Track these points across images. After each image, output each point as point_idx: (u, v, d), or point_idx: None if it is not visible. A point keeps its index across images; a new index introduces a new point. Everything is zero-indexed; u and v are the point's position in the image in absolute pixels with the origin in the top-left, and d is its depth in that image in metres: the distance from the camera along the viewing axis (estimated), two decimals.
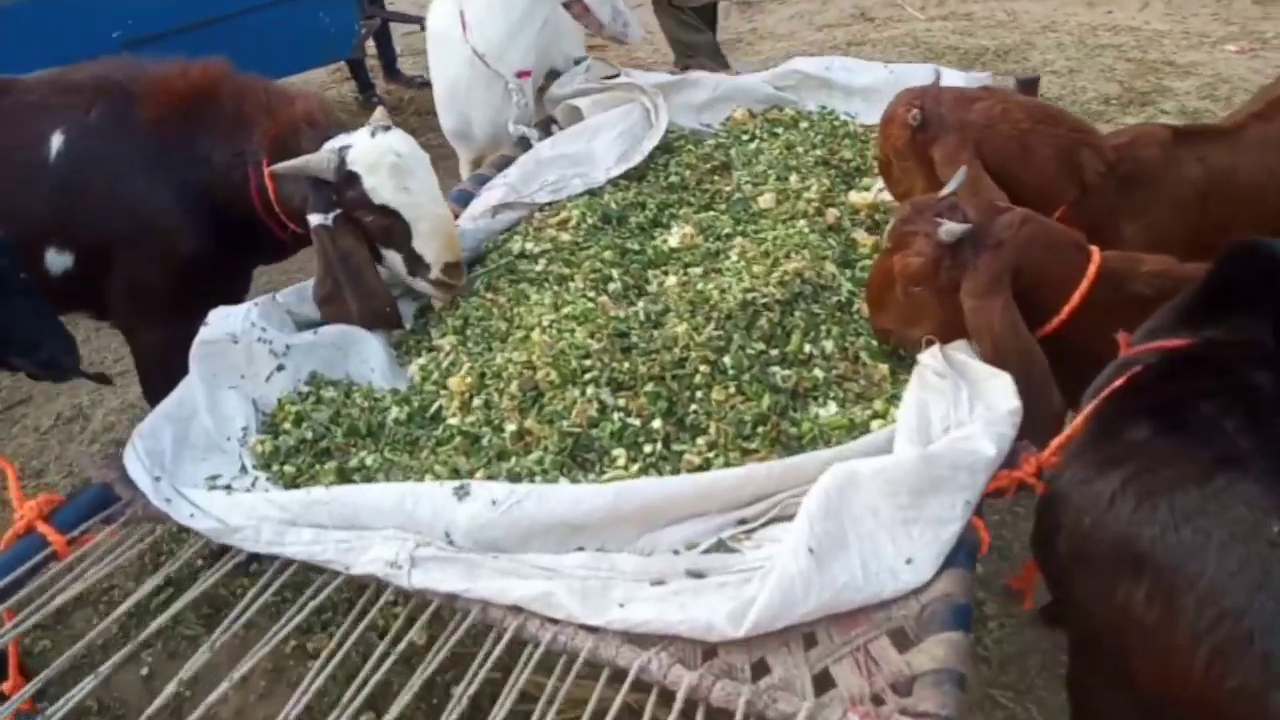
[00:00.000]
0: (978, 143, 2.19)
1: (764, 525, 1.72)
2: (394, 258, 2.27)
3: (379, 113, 2.34)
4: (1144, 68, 5.58)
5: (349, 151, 2.17)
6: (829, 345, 2.05)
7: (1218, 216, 2.34)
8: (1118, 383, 1.53)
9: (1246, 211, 2.36)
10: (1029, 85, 3.04)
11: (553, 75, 3.28)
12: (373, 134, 2.20)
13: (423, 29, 3.72)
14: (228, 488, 1.94)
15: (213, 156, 2.34)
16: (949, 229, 1.80)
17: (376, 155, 2.16)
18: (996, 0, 6.47)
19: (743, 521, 1.73)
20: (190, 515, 1.82)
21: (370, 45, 5.55)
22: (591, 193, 2.69)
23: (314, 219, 2.22)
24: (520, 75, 3.06)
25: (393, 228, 2.21)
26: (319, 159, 2.19)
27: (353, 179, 2.17)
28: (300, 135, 2.28)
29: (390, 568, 1.66)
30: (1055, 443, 1.62)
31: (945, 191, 1.93)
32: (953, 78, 3.01)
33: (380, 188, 2.16)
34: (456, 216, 2.69)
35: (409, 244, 2.22)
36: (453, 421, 2.02)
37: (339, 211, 2.21)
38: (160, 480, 1.89)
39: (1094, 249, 1.85)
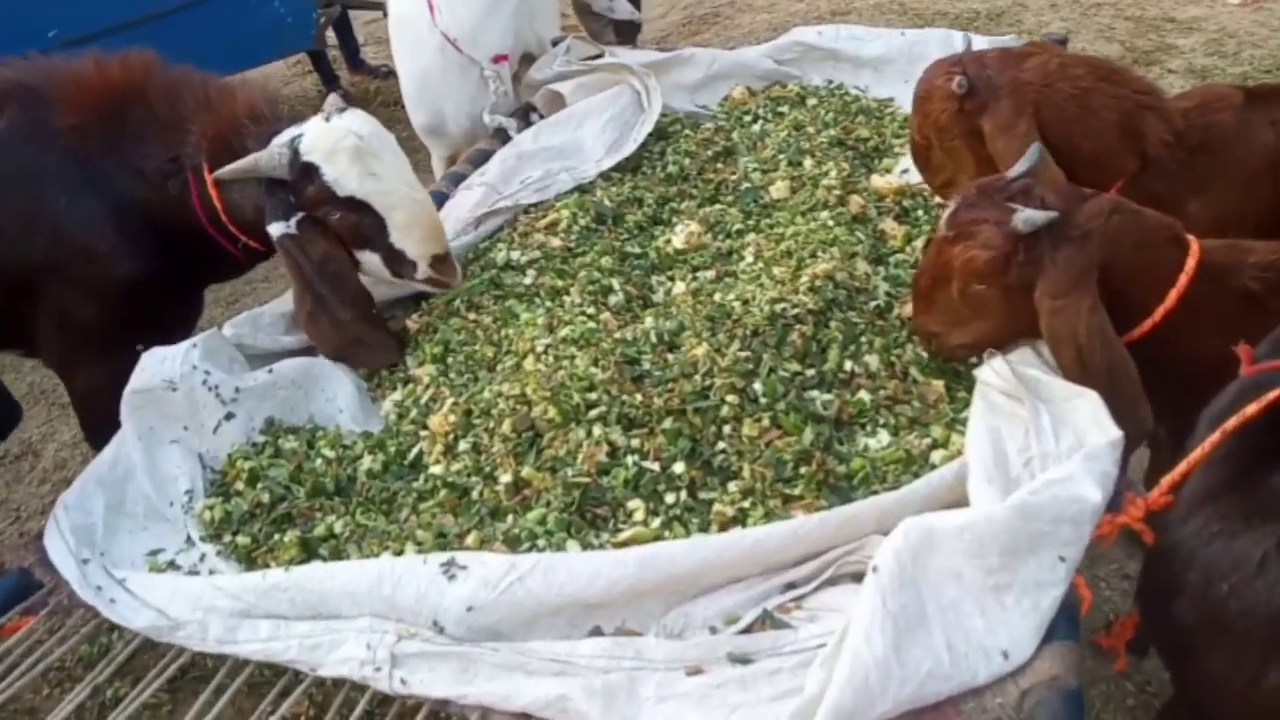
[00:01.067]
0: (1035, 106, 1.89)
1: (817, 590, 1.44)
2: (372, 259, 1.97)
3: (332, 98, 2.02)
4: (1144, 26, 5.36)
5: (302, 141, 1.87)
6: (873, 361, 1.76)
7: None
8: (1251, 409, 1.25)
9: None
10: (1058, 45, 2.74)
11: (528, 59, 2.95)
12: (327, 118, 1.90)
13: (385, 15, 3.40)
14: (172, 564, 1.64)
15: (145, 166, 2.02)
16: (1027, 217, 1.50)
17: (333, 140, 1.86)
18: None
19: (791, 586, 1.45)
20: (124, 608, 1.51)
21: (331, 35, 5.23)
22: (582, 189, 2.38)
23: (275, 229, 1.90)
24: (496, 60, 2.75)
25: (364, 223, 1.92)
26: (269, 156, 1.87)
27: (310, 172, 1.86)
28: (244, 132, 1.95)
29: (366, 668, 1.37)
30: (1168, 480, 1.33)
31: (1015, 171, 1.63)
32: (978, 44, 2.71)
33: (343, 177, 1.86)
34: None
35: (386, 239, 1.92)
36: (435, 470, 1.72)
37: (302, 215, 1.91)
38: (89, 563, 1.59)
39: (1192, 240, 1.57)
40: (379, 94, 5.30)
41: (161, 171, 2.00)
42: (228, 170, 1.91)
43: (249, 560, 1.62)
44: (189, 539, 1.68)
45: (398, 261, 1.96)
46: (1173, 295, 1.53)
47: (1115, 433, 1.38)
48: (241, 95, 2.02)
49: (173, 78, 2.05)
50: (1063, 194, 1.57)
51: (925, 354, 1.79)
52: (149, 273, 2.07)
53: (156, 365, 1.78)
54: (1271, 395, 1.25)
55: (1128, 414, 1.49)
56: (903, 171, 2.34)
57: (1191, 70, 4.77)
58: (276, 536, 1.63)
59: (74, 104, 2.00)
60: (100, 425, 2.10)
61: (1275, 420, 1.25)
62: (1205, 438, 1.32)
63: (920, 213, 2.23)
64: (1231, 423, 1.27)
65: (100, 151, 2.01)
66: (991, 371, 1.61)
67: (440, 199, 2.47)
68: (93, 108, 2.00)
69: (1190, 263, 1.53)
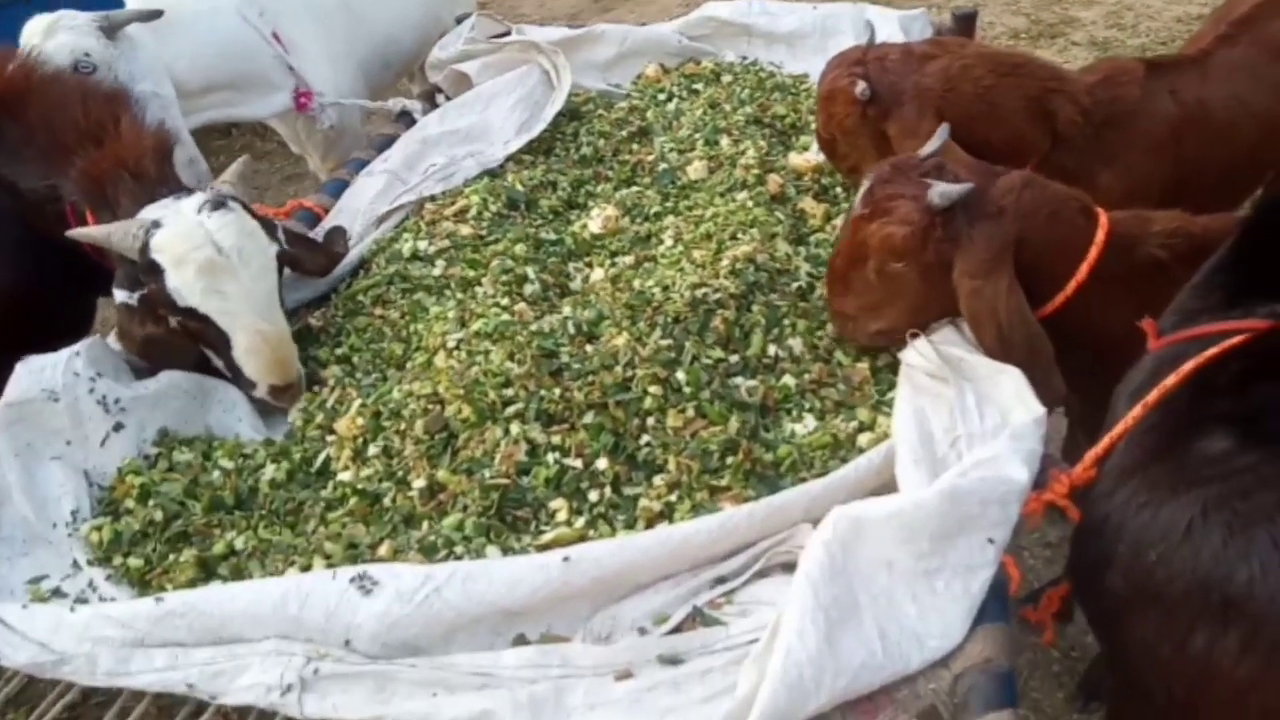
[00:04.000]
0: (938, 110, 1.88)
1: (747, 583, 1.40)
2: (214, 359, 1.82)
3: (233, 168, 1.86)
4: None
5: (155, 235, 1.69)
6: (796, 344, 1.72)
7: (1193, 154, 2.13)
8: (1170, 381, 1.25)
9: (1221, 147, 2.16)
10: (966, 21, 2.75)
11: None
12: (199, 209, 1.72)
13: None
14: (57, 591, 1.51)
15: (20, 183, 1.85)
16: (943, 190, 1.48)
17: (185, 247, 1.68)
18: None
19: (720, 580, 1.41)
20: (1, 644, 1.38)
21: None
22: (491, 174, 2.29)
23: (118, 294, 1.76)
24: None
25: (205, 331, 1.76)
26: (121, 234, 1.70)
27: (155, 270, 1.70)
28: (120, 186, 1.78)
29: (274, 694, 1.28)
30: (1091, 455, 1.33)
31: (926, 150, 1.61)
32: (888, 19, 2.70)
33: (185, 289, 1.69)
34: (323, 215, 2.25)
35: (227, 351, 1.76)
36: (344, 477, 1.63)
37: (144, 293, 1.75)
38: None
39: (1100, 211, 1.56)
40: None
41: (38, 193, 1.85)
42: (80, 233, 1.75)
43: (142, 584, 1.50)
44: (75, 563, 1.54)
45: (237, 375, 1.79)
46: (1083, 268, 1.53)
47: (1039, 409, 1.37)
48: (129, 138, 1.83)
49: (55, 92, 1.87)
50: (975, 170, 1.56)
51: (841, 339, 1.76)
52: (29, 282, 1.91)
53: (34, 375, 1.64)
54: (1188, 366, 1.25)
55: (1042, 386, 1.49)
56: (819, 149, 2.31)
57: (1094, 42, 4.90)
58: (171, 557, 1.51)
59: None
60: None
61: (1194, 390, 1.25)
62: (1125, 412, 1.32)
63: (839, 190, 2.20)
64: (1152, 396, 1.27)
65: None
66: (915, 353, 1.59)
67: (340, 187, 2.35)
68: None
69: (1099, 234, 1.53)
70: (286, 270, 1.91)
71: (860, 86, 1.95)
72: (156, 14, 2.34)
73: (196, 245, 1.68)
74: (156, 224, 1.70)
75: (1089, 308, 1.59)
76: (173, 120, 2.26)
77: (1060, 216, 1.55)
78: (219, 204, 1.74)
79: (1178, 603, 1.15)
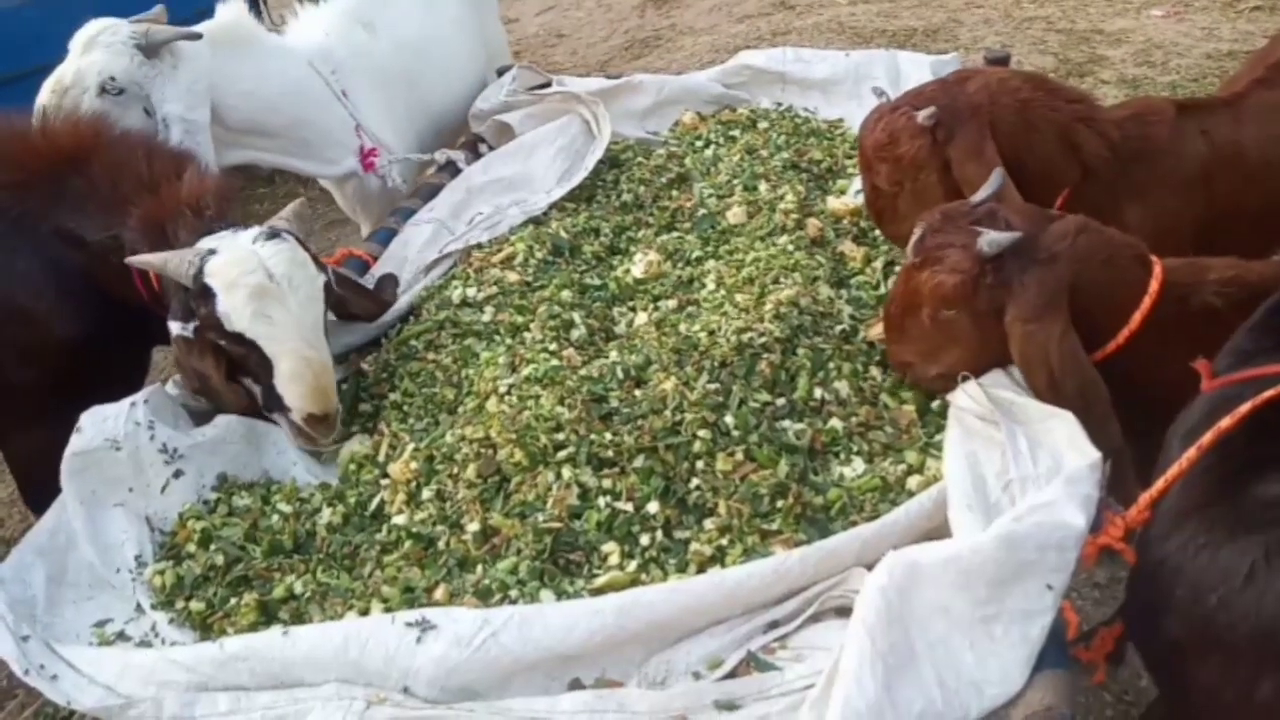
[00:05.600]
0: (991, 125, 1.88)
1: (800, 628, 1.40)
2: (254, 388, 1.85)
3: (291, 207, 1.91)
4: (1075, 38, 5.51)
5: (210, 261, 1.75)
6: (842, 387, 1.74)
7: (1225, 195, 2.12)
8: (1226, 423, 1.25)
9: (1256, 188, 2.15)
10: (1000, 63, 2.78)
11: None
12: (254, 240, 1.78)
13: None
14: (121, 634, 1.54)
15: (85, 236, 1.92)
16: (992, 239, 1.49)
17: (239, 272, 1.73)
18: None
19: (774, 624, 1.41)
20: (69, 686, 1.41)
21: None
22: (535, 221, 2.34)
23: (173, 326, 1.81)
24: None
25: (250, 358, 1.79)
26: (177, 261, 1.75)
27: (208, 295, 1.74)
28: (180, 223, 1.84)
29: None
30: (1146, 497, 1.32)
31: (978, 197, 1.63)
32: (918, 63, 2.74)
33: (235, 313, 1.74)
34: (372, 263, 2.30)
35: (269, 379, 1.79)
36: (399, 520, 1.66)
37: (197, 324, 1.79)
38: (29, 640, 1.48)
39: (1156, 260, 1.57)
40: None
41: (103, 245, 1.91)
42: (139, 260, 1.80)
43: (204, 627, 1.54)
44: (138, 607, 1.58)
45: (275, 402, 1.81)
46: (1137, 316, 1.53)
47: (1094, 454, 1.37)
48: (189, 179, 1.89)
49: (118, 150, 1.94)
50: (1028, 216, 1.57)
51: (899, 379, 1.77)
52: (90, 334, 1.97)
53: (98, 425, 1.69)
54: (1244, 408, 1.25)
55: (1098, 432, 1.49)
56: (857, 192, 2.34)
57: (1123, 80, 4.91)
58: (233, 600, 1.55)
59: (14, 163, 1.90)
60: (40, 490, 1.98)
61: (1250, 432, 1.25)
62: (1179, 454, 1.31)
63: (878, 233, 2.22)
64: (1207, 437, 1.27)
65: (37, 214, 1.91)
66: (965, 395, 1.59)
67: (389, 235, 2.41)
68: (33, 169, 1.90)
69: (1154, 283, 1.53)
70: (332, 315, 1.95)
71: (926, 112, 1.90)
72: (196, 35, 2.36)
73: (249, 270, 1.74)
74: (212, 251, 1.76)
75: (1143, 355, 1.58)
76: (196, 145, 2.27)
77: (1115, 263, 1.56)
78: (273, 235, 1.80)
79: (1242, 649, 1.14)
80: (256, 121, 2.54)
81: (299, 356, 1.76)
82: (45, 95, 2.29)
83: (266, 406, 1.84)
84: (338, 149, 2.70)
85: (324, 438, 1.83)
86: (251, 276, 1.73)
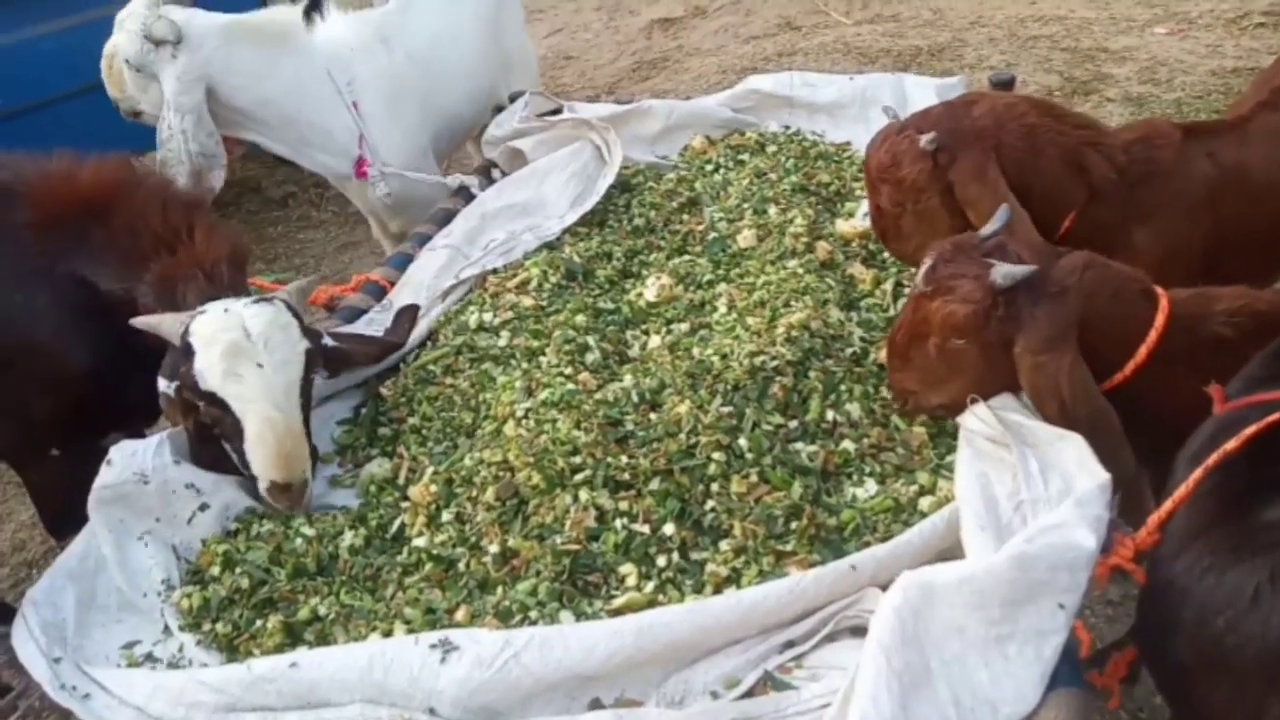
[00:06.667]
0: (996, 149, 1.92)
1: (816, 647, 1.42)
2: (231, 453, 1.82)
3: (298, 284, 1.97)
4: (1080, 56, 5.54)
5: (196, 320, 1.77)
6: (854, 409, 1.77)
7: (1232, 217, 2.14)
8: (1231, 445, 1.27)
9: (1262, 210, 2.17)
10: (1005, 86, 2.82)
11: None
12: (247, 305, 1.80)
13: None
14: (150, 655, 1.58)
15: (100, 284, 1.97)
16: (1007, 272, 1.52)
17: (217, 329, 1.74)
18: None
19: (789, 644, 1.44)
20: (101, 707, 1.44)
21: None
22: (549, 246, 2.38)
23: (161, 383, 1.83)
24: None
25: (223, 420, 1.77)
26: (170, 324, 1.78)
27: (188, 352, 1.75)
28: (190, 285, 1.87)
29: None
30: (1154, 519, 1.35)
31: (988, 230, 1.65)
32: (923, 86, 2.78)
33: (207, 370, 1.73)
34: (389, 288, 2.34)
35: (240, 444, 1.77)
36: (419, 542, 1.69)
37: (178, 384, 1.80)
38: (61, 661, 1.52)
39: (1161, 293, 1.59)
40: None
41: (115, 295, 1.95)
42: (139, 322, 1.83)
43: (230, 649, 1.57)
44: (166, 629, 1.62)
45: (246, 467, 1.79)
46: (1142, 350, 1.55)
47: (1103, 475, 1.39)
48: (201, 246, 1.92)
49: (138, 202, 1.97)
50: (1037, 250, 1.60)
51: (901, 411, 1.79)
52: (106, 369, 2.01)
53: (126, 459, 1.72)
54: (1249, 430, 1.27)
55: (1111, 460, 1.50)
56: (865, 215, 2.37)
57: (1129, 98, 4.93)
58: (259, 623, 1.58)
59: (40, 204, 1.95)
60: (60, 516, 2.03)
61: (1255, 454, 1.27)
62: (1185, 476, 1.34)
63: (886, 255, 2.25)
64: (1212, 459, 1.29)
65: (57, 255, 1.96)
66: (975, 418, 1.62)
67: (405, 261, 2.45)
68: (56, 214, 1.95)
69: (1159, 317, 1.55)
70: (325, 376, 1.96)
71: (927, 137, 1.93)
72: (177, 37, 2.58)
73: (226, 328, 1.74)
74: (201, 312, 1.78)
75: (1152, 384, 1.60)
76: (187, 125, 2.52)
77: (1121, 297, 1.58)
78: (265, 300, 1.82)
79: (1249, 671, 1.16)
80: (254, 111, 2.74)
81: (263, 418, 1.74)
82: (102, 62, 2.75)
83: (244, 471, 1.81)
84: (337, 153, 2.86)
85: (289, 510, 1.79)
86: (227, 334, 1.74)
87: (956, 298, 1.55)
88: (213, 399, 1.75)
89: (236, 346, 1.73)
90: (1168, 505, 1.35)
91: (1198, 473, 1.32)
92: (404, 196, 2.95)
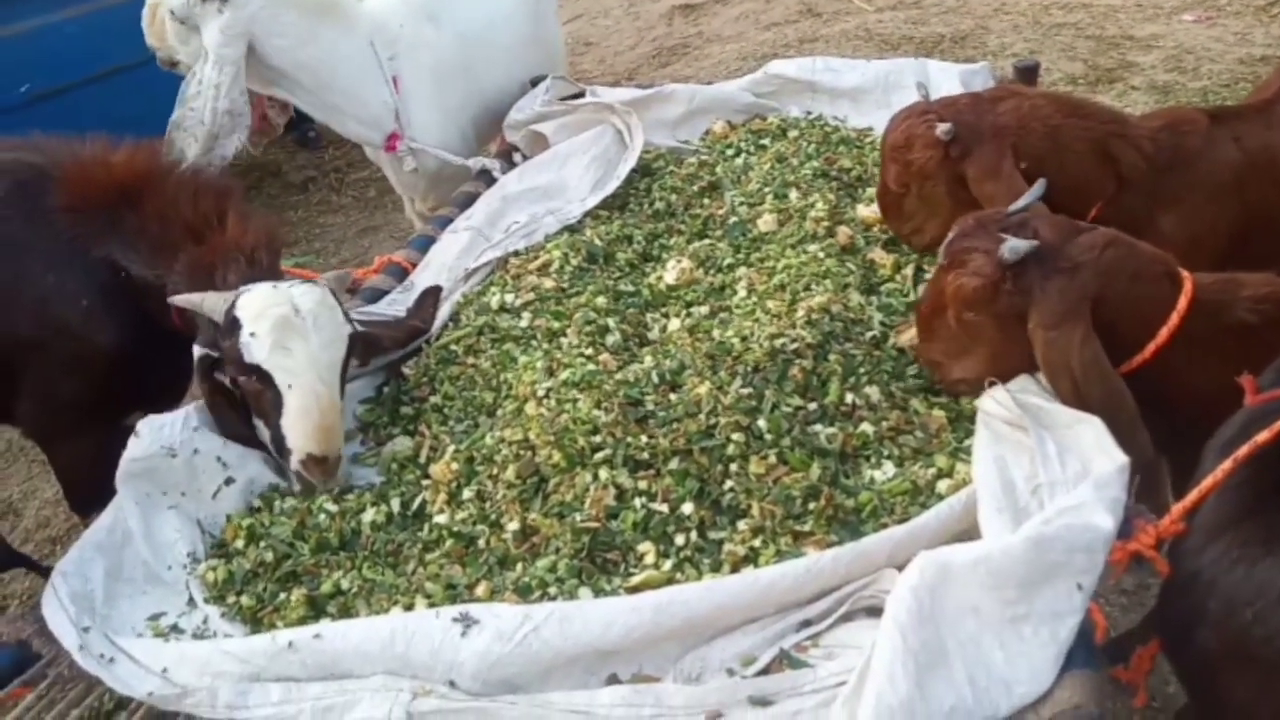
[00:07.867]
0: (1015, 148, 1.92)
1: (832, 627, 1.43)
2: (262, 430, 1.86)
3: (333, 274, 1.98)
4: (1105, 44, 5.46)
5: (242, 296, 1.80)
6: (873, 392, 1.77)
7: (1259, 201, 2.13)
8: (1263, 437, 1.27)
9: None
10: (1029, 73, 2.80)
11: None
12: (293, 285, 1.85)
13: None
14: (174, 627, 1.60)
15: (130, 270, 2.00)
16: (1012, 246, 1.53)
17: (265, 304, 1.78)
18: None
19: (806, 623, 1.45)
20: (128, 675, 1.47)
21: None
22: (571, 229, 2.39)
23: (197, 349, 1.86)
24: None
25: (263, 395, 1.80)
26: (213, 302, 1.82)
27: (234, 326, 1.78)
28: (230, 267, 1.90)
29: None
30: (1179, 508, 1.35)
31: (1018, 205, 1.66)
32: (949, 73, 2.77)
33: (255, 343, 1.76)
34: (411, 269, 2.36)
35: (277, 419, 1.79)
36: (440, 519, 1.71)
37: (217, 356, 1.84)
38: (89, 631, 1.55)
39: (1186, 275, 1.59)
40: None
41: (145, 280, 1.98)
42: (180, 299, 1.86)
43: (254, 621, 1.59)
44: (190, 600, 1.64)
45: (279, 444, 1.82)
46: (1164, 332, 1.55)
47: (1121, 458, 1.39)
48: (234, 232, 1.95)
49: (169, 191, 2.00)
50: (1056, 227, 1.59)
51: (928, 385, 1.80)
52: (133, 351, 2.04)
53: (155, 432, 1.75)
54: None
55: (1127, 443, 1.50)
56: (880, 209, 2.37)
57: (1154, 86, 4.87)
58: (282, 596, 1.61)
59: (73, 188, 1.98)
60: (86, 495, 2.07)
61: None
62: (1214, 467, 1.33)
63: None
64: (1243, 450, 1.29)
65: (90, 240, 1.99)
66: (993, 401, 1.62)
67: (427, 243, 2.47)
68: (90, 199, 1.98)
69: (1182, 300, 1.55)
70: (358, 365, 1.99)
71: (944, 127, 1.95)
72: None
73: (276, 303, 1.78)
74: (247, 289, 1.81)
75: (1174, 369, 1.59)
76: (223, 77, 2.50)
77: (1143, 278, 1.57)
78: (313, 284, 1.85)
79: (1276, 663, 1.16)
80: (291, 73, 2.71)
81: (310, 390, 1.77)
82: (144, 11, 2.81)
83: (275, 450, 1.85)
84: (369, 123, 2.84)
85: (322, 484, 1.81)
86: (278, 309, 1.78)
87: (967, 271, 1.57)
88: (257, 371, 1.77)
89: (286, 321, 1.77)
90: (1194, 495, 1.34)
91: (1227, 464, 1.31)
92: (436, 174, 2.94)
